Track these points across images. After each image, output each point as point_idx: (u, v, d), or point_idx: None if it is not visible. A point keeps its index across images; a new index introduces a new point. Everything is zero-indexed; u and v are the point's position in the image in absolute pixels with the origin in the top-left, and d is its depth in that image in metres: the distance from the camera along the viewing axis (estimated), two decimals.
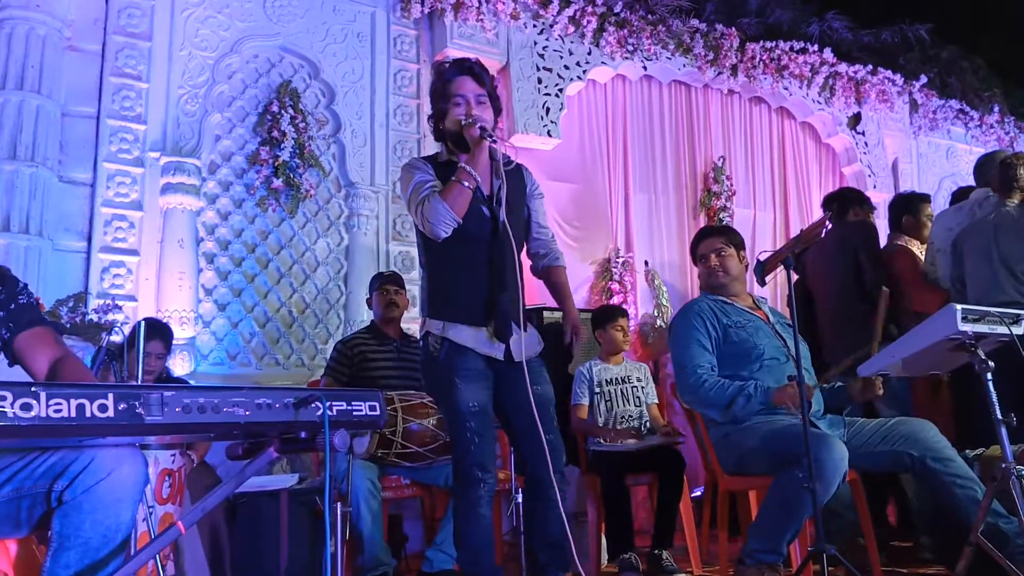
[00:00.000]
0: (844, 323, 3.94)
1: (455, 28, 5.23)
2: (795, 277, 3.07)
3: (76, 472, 1.51)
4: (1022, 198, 3.69)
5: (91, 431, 1.31)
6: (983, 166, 4.10)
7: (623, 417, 3.91)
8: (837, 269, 4.01)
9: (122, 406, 1.29)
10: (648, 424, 3.97)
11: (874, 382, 2.85)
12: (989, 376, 2.43)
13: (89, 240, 4.20)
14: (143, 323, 2.78)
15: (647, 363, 4.88)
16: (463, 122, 2.43)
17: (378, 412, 1.57)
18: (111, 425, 1.30)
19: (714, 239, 3.15)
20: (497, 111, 2.58)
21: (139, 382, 2.67)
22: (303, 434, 1.46)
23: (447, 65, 2.57)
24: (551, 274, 2.72)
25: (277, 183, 4.62)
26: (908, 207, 4.28)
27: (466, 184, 2.35)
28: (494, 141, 2.40)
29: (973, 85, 7.96)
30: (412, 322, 4.73)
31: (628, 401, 3.96)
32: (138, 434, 1.34)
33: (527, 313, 2.56)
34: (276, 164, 4.63)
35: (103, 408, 1.28)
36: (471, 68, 2.52)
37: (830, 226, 4.01)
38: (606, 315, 4.16)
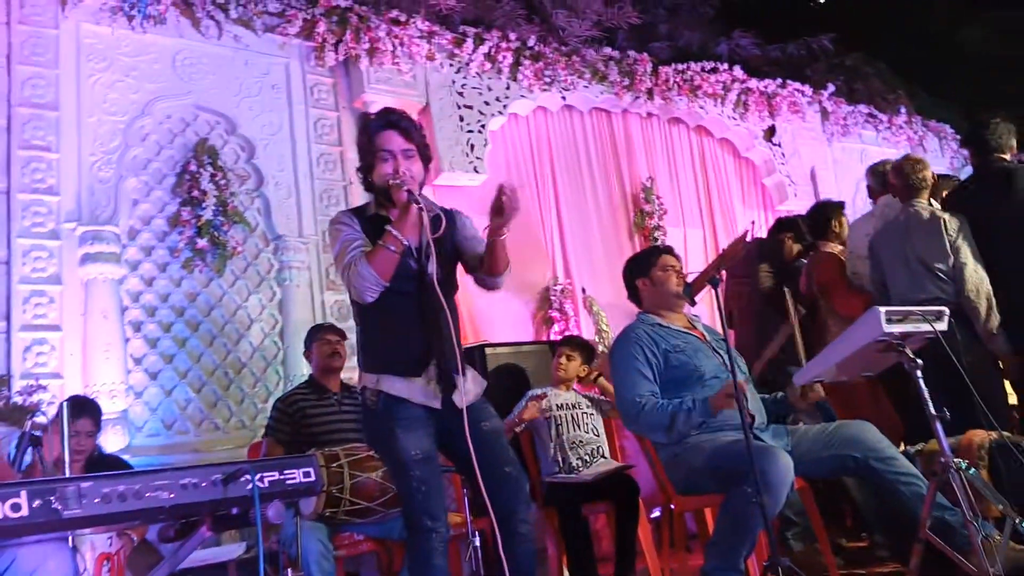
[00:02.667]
0: (748, 333, 4.11)
1: (371, 73, 5.23)
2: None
3: None
4: (926, 196, 3.84)
5: (7, 532, 1.25)
6: (879, 174, 4.30)
7: (574, 443, 3.88)
8: (747, 283, 4.16)
9: (37, 503, 1.23)
10: (601, 449, 3.96)
11: (813, 386, 2.90)
12: (919, 374, 2.49)
13: (8, 319, 4.03)
14: (67, 403, 2.67)
15: (592, 389, 4.88)
16: (391, 182, 2.38)
17: (313, 478, 1.53)
18: (27, 524, 1.24)
19: (673, 258, 3.19)
20: (427, 160, 2.53)
21: (67, 465, 2.55)
22: (235, 510, 1.41)
23: (372, 118, 2.51)
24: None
25: (202, 243, 4.51)
26: (828, 213, 4.43)
27: (393, 249, 2.31)
28: (421, 209, 2.32)
29: (879, 89, 8.29)
30: (351, 371, 4.67)
31: (579, 427, 3.94)
32: (57, 530, 1.27)
33: (466, 355, 2.54)
34: (199, 224, 4.52)
35: (16, 508, 1.22)
36: (397, 123, 2.46)
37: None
38: (561, 341, 4.35)
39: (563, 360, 4.11)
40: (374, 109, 5.10)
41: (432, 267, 2.39)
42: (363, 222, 2.48)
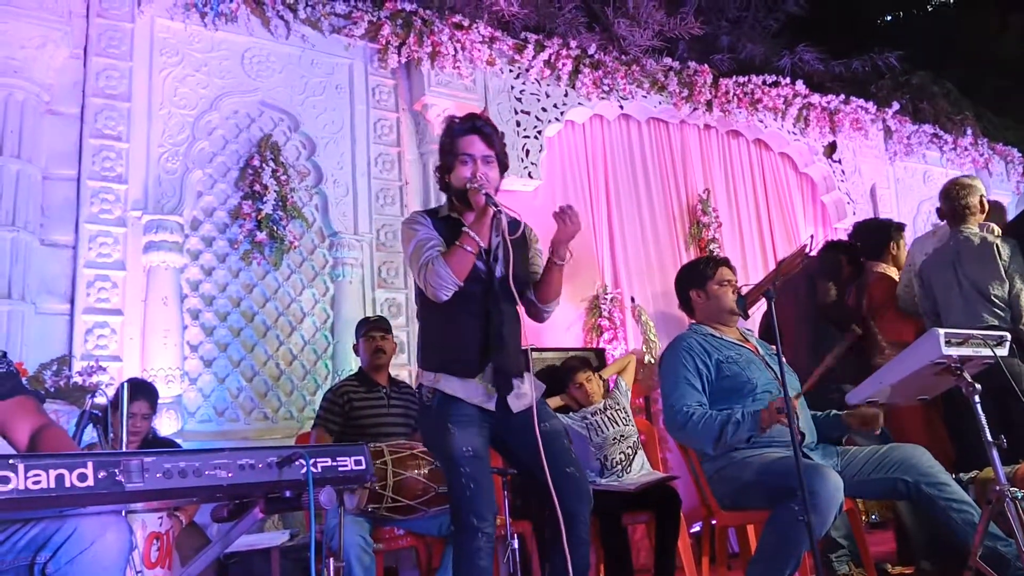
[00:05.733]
0: (803, 350, 4.03)
1: (432, 76, 5.29)
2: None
3: (59, 543, 1.48)
4: (976, 222, 3.75)
5: (71, 501, 1.30)
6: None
7: (615, 438, 3.92)
8: (802, 300, 4.09)
9: (102, 474, 1.28)
10: (638, 443, 3.99)
11: (876, 416, 2.82)
12: (977, 399, 2.44)
13: (72, 302, 4.17)
14: (126, 384, 2.75)
15: (638, 399, 4.89)
16: (468, 185, 2.43)
17: (364, 466, 1.56)
18: (91, 494, 1.28)
19: (729, 270, 3.14)
20: (504, 168, 2.58)
21: (124, 445, 2.63)
22: (288, 493, 1.45)
23: (457, 121, 2.57)
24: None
25: (261, 236, 4.62)
26: (889, 234, 4.34)
27: (469, 249, 2.35)
28: (499, 211, 2.38)
29: (945, 109, 8.09)
30: (400, 368, 4.73)
31: (617, 423, 3.99)
32: (119, 502, 1.32)
33: (524, 361, 2.54)
34: (259, 217, 4.63)
35: (83, 477, 1.27)
36: (481, 128, 2.51)
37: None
38: (564, 378, 4.21)
39: (586, 386, 4.12)
40: (433, 112, 5.22)
41: (500, 270, 2.42)
42: (436, 223, 2.53)
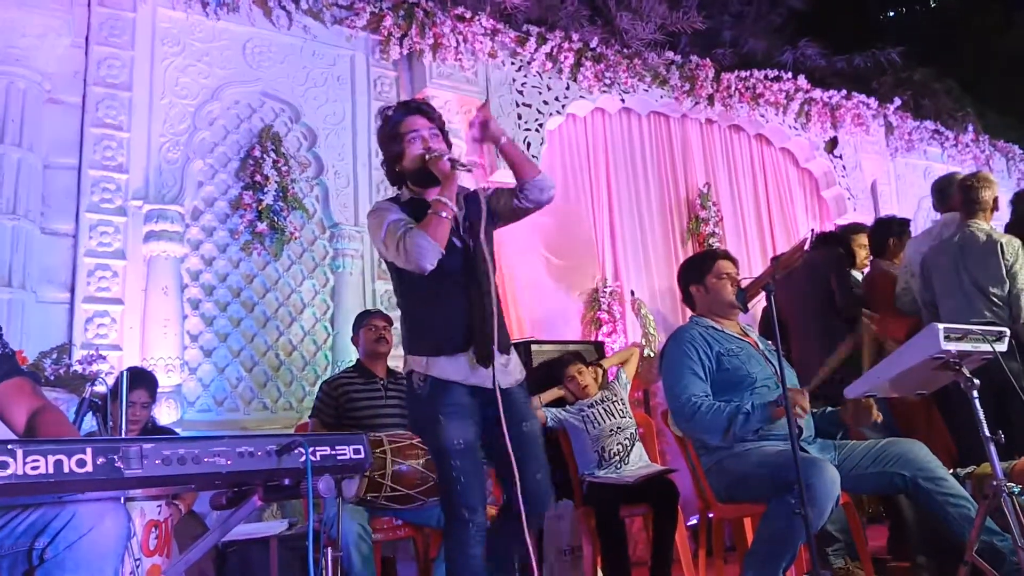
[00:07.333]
0: (812, 344, 4.02)
1: (434, 68, 5.29)
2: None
3: (58, 529, 1.48)
4: (986, 219, 3.75)
5: (70, 487, 1.30)
6: (943, 189, 4.18)
7: (612, 430, 3.91)
8: (807, 294, 4.08)
9: (101, 460, 1.28)
10: (635, 435, 3.98)
11: (870, 408, 2.82)
12: (975, 394, 2.44)
13: (72, 291, 4.18)
14: (126, 372, 2.76)
15: (636, 392, 4.88)
16: (427, 156, 2.40)
17: (362, 455, 1.56)
18: (90, 480, 1.29)
19: (729, 263, 3.12)
20: (448, 144, 2.56)
21: (123, 433, 2.64)
22: (287, 481, 1.45)
23: (391, 109, 2.56)
24: None
25: (261, 227, 4.62)
26: (892, 231, 4.34)
27: (444, 215, 2.31)
28: (468, 170, 2.35)
29: (947, 106, 8.10)
30: (399, 359, 4.72)
31: (613, 415, 3.98)
32: (118, 488, 1.32)
33: (510, 343, 2.54)
34: (259, 208, 4.63)
35: (81, 463, 1.27)
36: (418, 107, 2.52)
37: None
38: (556, 375, 4.12)
39: (579, 379, 4.08)
40: (435, 104, 5.17)
41: (472, 240, 2.39)
42: (401, 207, 2.49)
